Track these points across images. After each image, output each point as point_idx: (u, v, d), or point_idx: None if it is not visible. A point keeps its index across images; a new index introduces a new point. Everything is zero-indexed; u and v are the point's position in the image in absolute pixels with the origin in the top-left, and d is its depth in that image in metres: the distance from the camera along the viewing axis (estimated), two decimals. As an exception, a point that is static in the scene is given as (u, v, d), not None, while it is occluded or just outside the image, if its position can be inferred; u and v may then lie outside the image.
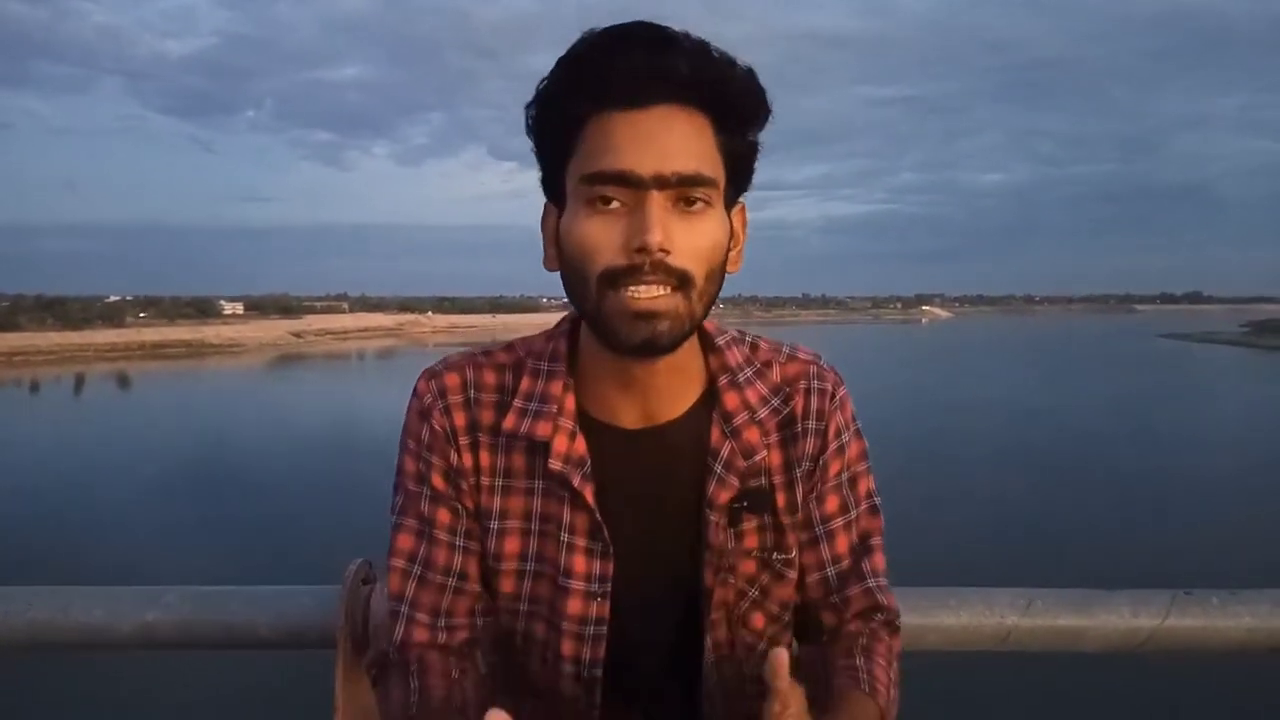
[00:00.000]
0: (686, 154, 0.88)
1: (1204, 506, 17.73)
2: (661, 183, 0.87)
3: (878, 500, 1.09)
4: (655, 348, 0.90)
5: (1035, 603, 1.35)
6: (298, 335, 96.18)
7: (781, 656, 0.81)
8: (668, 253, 0.87)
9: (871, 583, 1.06)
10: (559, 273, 0.94)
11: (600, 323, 0.91)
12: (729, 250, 0.94)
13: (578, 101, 0.89)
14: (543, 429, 0.97)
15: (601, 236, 0.88)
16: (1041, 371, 53.00)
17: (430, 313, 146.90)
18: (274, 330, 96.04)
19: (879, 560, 1.07)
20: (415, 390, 1.02)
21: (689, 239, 0.88)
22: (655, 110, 0.88)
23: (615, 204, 0.88)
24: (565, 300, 1.01)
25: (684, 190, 0.88)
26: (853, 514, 1.06)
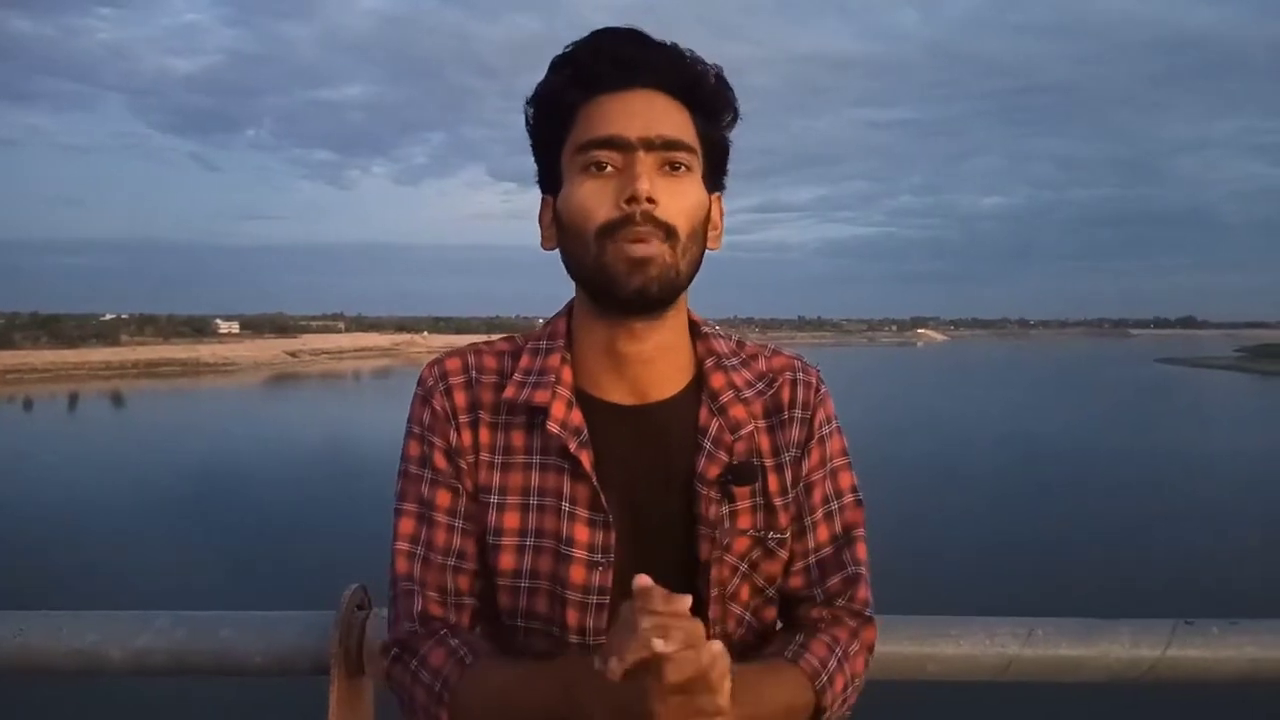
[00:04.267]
0: (669, 123, 0.97)
1: (1228, 531, 17.65)
2: (648, 144, 0.96)
3: (860, 495, 1.11)
4: (647, 295, 0.96)
5: (1036, 632, 1.34)
6: (293, 355, 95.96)
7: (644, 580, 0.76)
8: (655, 204, 0.95)
9: (850, 571, 1.08)
10: (557, 249, 1.02)
11: (599, 274, 0.97)
12: (709, 223, 1.02)
13: (571, 91, 0.98)
14: (541, 396, 1.01)
15: (597, 196, 0.96)
16: (1048, 397, 52.87)
17: (426, 333, 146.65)
18: (269, 349, 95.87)
19: (860, 550, 1.10)
20: (420, 378, 1.06)
21: (674, 196, 0.96)
22: (639, 91, 0.98)
23: (608, 167, 0.96)
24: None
25: (668, 154, 0.97)
26: (834, 505, 1.09)
